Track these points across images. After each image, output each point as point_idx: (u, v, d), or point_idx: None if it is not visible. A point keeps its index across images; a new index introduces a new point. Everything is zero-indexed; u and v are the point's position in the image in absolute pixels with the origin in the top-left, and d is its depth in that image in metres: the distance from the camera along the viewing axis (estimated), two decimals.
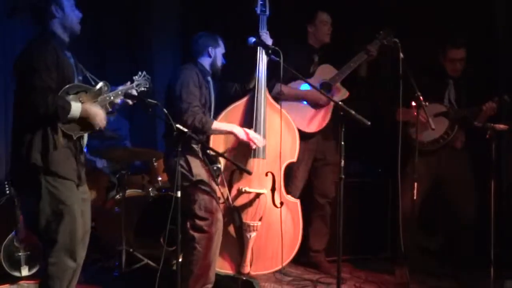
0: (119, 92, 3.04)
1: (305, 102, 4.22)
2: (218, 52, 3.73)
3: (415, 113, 3.89)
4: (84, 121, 2.89)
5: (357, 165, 4.92)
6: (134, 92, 3.10)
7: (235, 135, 3.63)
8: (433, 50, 4.44)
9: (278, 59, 3.38)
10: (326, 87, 4.22)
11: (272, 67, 3.75)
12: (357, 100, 4.22)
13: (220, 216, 3.58)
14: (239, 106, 3.80)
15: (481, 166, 4.22)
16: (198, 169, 3.58)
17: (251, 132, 3.66)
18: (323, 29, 4.30)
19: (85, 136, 3.02)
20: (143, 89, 3.13)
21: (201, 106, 3.60)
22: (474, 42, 4.48)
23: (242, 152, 3.73)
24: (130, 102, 3.10)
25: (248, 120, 3.75)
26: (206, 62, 3.73)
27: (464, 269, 4.26)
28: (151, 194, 4.47)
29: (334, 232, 3.26)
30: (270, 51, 3.45)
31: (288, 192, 4.02)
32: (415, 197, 3.73)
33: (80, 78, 3.02)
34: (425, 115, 3.85)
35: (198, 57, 3.73)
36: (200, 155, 3.63)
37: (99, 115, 2.91)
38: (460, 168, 4.28)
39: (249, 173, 3.62)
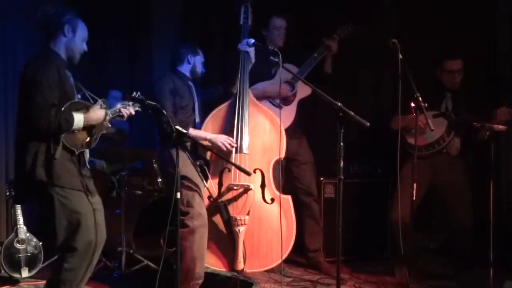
0: (117, 110, 3.12)
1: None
2: (197, 60, 3.97)
3: (414, 114, 3.88)
4: (90, 128, 2.98)
5: (356, 166, 4.92)
6: (132, 110, 3.17)
7: (210, 141, 3.81)
8: (429, 62, 4.42)
9: (277, 60, 3.46)
10: (289, 86, 4.28)
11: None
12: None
13: (202, 211, 3.67)
14: (222, 109, 3.99)
15: (479, 168, 4.21)
16: (182, 166, 3.62)
17: (221, 137, 3.83)
18: (275, 33, 4.36)
19: (87, 151, 3.08)
20: (137, 109, 3.20)
21: (177, 114, 3.77)
22: (473, 55, 4.47)
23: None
24: (126, 114, 3.15)
25: (231, 121, 3.92)
26: (186, 69, 3.97)
27: (464, 269, 4.26)
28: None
29: (334, 233, 3.25)
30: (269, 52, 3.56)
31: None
32: (414, 198, 3.72)
33: (79, 96, 3.08)
34: (424, 117, 3.83)
35: (177, 65, 3.97)
36: (186, 152, 3.68)
37: (101, 116, 2.99)
38: (455, 175, 4.25)
39: (248, 174, 3.67)
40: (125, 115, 3.15)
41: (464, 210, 4.22)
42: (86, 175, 3.05)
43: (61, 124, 2.83)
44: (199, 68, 3.99)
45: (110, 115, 3.08)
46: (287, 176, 4.44)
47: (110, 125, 3.10)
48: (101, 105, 3.05)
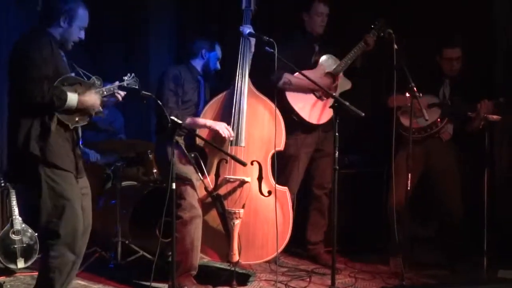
0: (111, 89, 3.11)
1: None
2: (211, 56, 3.91)
3: (409, 103, 3.89)
4: (82, 110, 2.96)
5: (352, 156, 4.93)
6: (123, 94, 3.17)
7: (210, 128, 3.73)
8: (429, 49, 4.42)
9: (272, 50, 3.44)
10: (330, 77, 4.22)
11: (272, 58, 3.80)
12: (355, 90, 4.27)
13: (195, 203, 3.65)
14: (219, 98, 3.89)
15: (472, 159, 4.23)
16: (177, 160, 3.64)
17: (221, 124, 3.74)
18: (316, 20, 4.26)
19: (80, 128, 3.06)
20: (135, 87, 3.20)
21: (179, 104, 3.76)
22: (471, 43, 4.47)
23: (220, 141, 3.77)
24: (120, 97, 3.15)
25: (228, 110, 3.83)
26: (198, 63, 3.92)
27: (458, 258, 4.29)
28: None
29: (330, 223, 3.26)
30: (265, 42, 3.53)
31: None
32: (408, 188, 3.74)
33: (73, 74, 3.06)
34: (419, 106, 3.84)
35: (191, 58, 3.93)
36: (183, 146, 3.67)
37: (95, 104, 2.98)
38: (446, 160, 4.28)
39: (244, 164, 3.66)
40: (119, 98, 3.14)
41: (454, 195, 4.26)
42: (78, 153, 3.05)
43: (53, 100, 2.81)
44: (212, 65, 3.92)
45: (105, 92, 3.07)
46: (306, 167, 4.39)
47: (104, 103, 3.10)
48: (95, 81, 3.04)
